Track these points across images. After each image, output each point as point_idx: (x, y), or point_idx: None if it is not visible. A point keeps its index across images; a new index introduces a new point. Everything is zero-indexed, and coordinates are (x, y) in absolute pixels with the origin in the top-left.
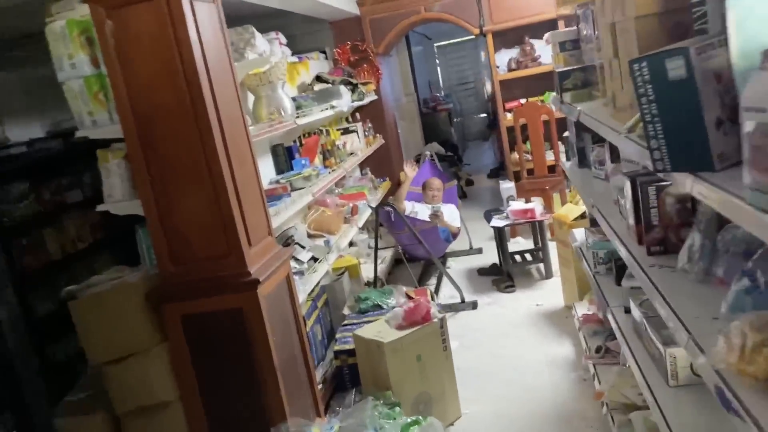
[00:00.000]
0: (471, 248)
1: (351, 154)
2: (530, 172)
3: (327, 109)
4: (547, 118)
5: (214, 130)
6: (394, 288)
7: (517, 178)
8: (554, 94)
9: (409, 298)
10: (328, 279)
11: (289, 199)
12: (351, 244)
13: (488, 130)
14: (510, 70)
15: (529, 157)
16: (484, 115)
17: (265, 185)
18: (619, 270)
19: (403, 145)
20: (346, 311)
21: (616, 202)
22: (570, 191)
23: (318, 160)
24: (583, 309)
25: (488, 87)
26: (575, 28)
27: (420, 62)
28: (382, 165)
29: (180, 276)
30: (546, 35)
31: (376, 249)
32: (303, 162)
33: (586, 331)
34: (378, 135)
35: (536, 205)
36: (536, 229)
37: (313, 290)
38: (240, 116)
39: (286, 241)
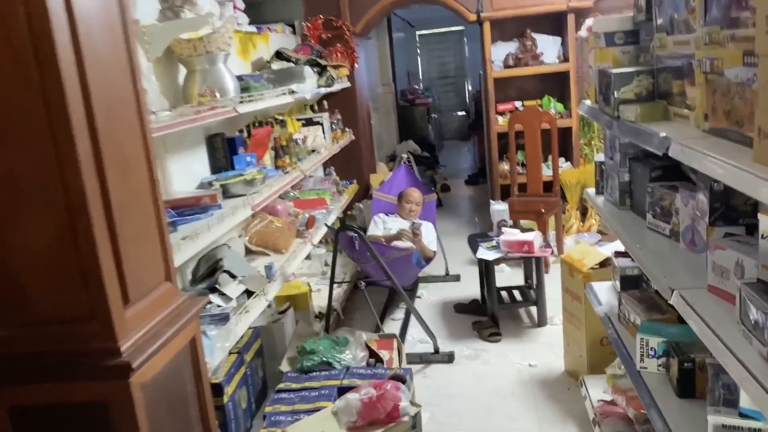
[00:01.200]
0: (447, 274)
1: (313, 151)
2: (521, 188)
3: (285, 93)
4: (548, 126)
5: (73, 117)
6: (350, 335)
7: (504, 193)
8: (588, 102)
9: (370, 352)
10: (266, 318)
11: (219, 212)
12: (307, 257)
13: (469, 131)
14: (507, 66)
15: (521, 170)
16: (464, 113)
17: (192, 189)
18: (685, 376)
19: (376, 142)
20: (284, 367)
21: (738, 307)
22: (566, 213)
23: (269, 157)
24: (596, 389)
25: (470, 84)
26: (632, 15)
27: (400, 50)
28: (350, 165)
29: (9, 345)
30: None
31: (332, 283)
32: (248, 159)
33: (607, 428)
34: (348, 129)
35: (535, 236)
36: (531, 264)
37: (241, 338)
38: (132, 97)
39: (213, 266)
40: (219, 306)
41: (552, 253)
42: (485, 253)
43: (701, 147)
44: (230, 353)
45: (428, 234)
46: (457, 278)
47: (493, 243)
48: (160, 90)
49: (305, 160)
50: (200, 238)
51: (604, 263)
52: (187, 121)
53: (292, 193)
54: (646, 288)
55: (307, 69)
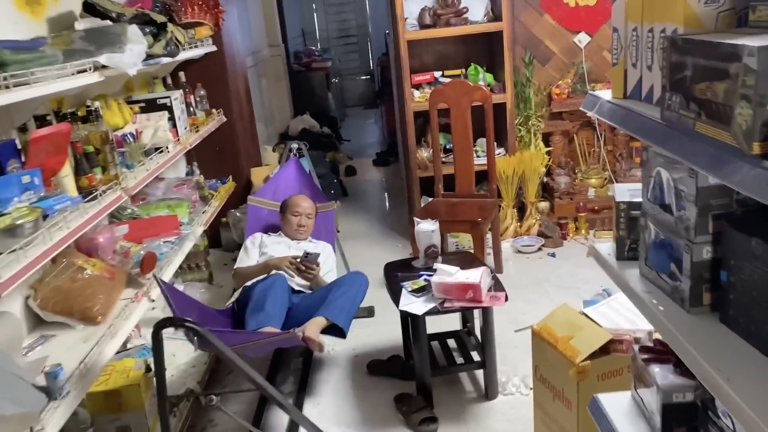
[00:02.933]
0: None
1: (157, 150)
2: (448, 184)
3: (88, 70)
4: (480, 103)
5: None
6: None
7: (425, 188)
8: (605, 95)
9: None
10: None
11: None
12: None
13: (375, 99)
14: (423, 26)
15: (444, 157)
16: (368, 77)
17: None
18: None
19: (263, 118)
20: None
21: None
22: (500, 211)
23: (68, 172)
24: None
25: (373, 44)
26: None
27: (292, 4)
28: (222, 156)
29: None
30: None
31: (163, 402)
32: (27, 180)
33: None
34: (216, 110)
35: (482, 276)
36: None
37: None
38: None
39: None
40: None
41: (496, 284)
42: (412, 303)
43: None
44: None
45: (326, 262)
46: (370, 312)
47: (422, 282)
48: None
49: (138, 168)
50: None
51: (610, 350)
52: None
53: (129, 210)
54: None
55: (133, 30)
